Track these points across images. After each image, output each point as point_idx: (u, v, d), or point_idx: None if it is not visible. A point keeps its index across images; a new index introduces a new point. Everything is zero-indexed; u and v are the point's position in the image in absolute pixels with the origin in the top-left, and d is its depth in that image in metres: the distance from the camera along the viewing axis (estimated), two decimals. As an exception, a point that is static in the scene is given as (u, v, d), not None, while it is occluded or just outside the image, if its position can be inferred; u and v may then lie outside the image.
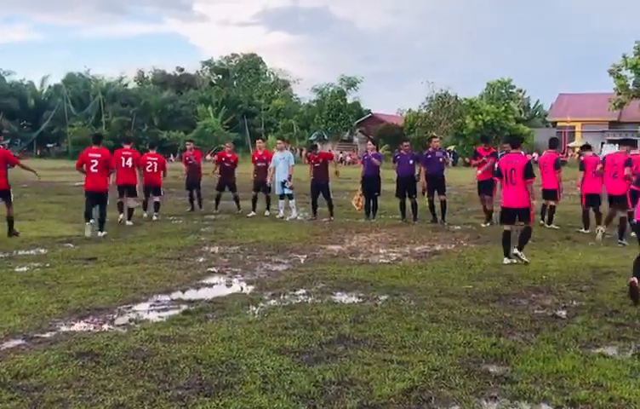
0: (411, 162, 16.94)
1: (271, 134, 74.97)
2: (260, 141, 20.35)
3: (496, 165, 12.00)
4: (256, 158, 18.26)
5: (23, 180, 19.99)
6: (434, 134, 25.21)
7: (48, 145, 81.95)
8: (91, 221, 13.69)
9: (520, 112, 75.90)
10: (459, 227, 15.65)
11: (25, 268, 9.91)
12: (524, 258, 10.68)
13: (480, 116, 65.04)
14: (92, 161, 13.97)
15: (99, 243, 12.52)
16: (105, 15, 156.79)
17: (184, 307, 7.75)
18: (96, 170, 13.84)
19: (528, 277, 9.59)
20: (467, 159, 62.27)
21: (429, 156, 16.71)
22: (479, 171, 16.11)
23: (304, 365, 5.66)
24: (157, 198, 16.94)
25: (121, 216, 15.92)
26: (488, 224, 15.59)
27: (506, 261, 10.70)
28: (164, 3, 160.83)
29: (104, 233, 13.55)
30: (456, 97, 67.72)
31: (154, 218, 16.34)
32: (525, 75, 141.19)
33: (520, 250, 10.75)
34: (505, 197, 11.00)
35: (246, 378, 5.31)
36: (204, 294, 8.53)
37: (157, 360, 5.71)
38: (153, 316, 7.33)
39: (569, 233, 14.57)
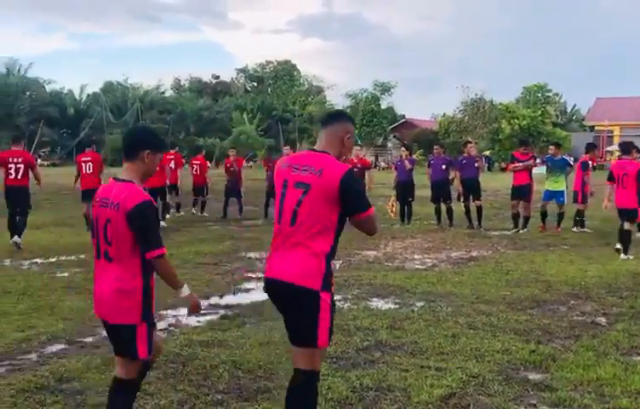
0: (443, 167, 16.89)
1: (305, 140, 75.22)
2: (287, 147, 20.43)
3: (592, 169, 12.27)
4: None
5: (64, 187, 20.35)
6: (469, 139, 24.99)
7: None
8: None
9: (557, 116, 74.95)
10: (495, 233, 15.52)
11: (66, 274, 10.11)
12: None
13: (516, 120, 64.36)
14: (169, 161, 17.12)
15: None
16: (141, 24, 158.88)
17: (222, 312, 7.85)
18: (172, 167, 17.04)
19: (566, 283, 9.48)
20: (503, 164, 61.82)
21: (464, 161, 16.62)
22: (519, 166, 15.73)
23: (341, 370, 5.69)
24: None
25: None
26: (516, 231, 15.38)
27: (625, 257, 11.49)
28: (199, 12, 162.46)
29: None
30: (491, 101, 67.10)
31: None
32: (562, 79, 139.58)
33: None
34: (617, 199, 11.82)
35: (284, 384, 5.32)
36: (242, 299, 8.62)
37: (197, 365, 5.79)
38: (192, 321, 7.42)
39: (608, 238, 14.35)
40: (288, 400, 4.08)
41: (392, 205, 17.70)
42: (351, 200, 3.90)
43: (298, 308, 3.89)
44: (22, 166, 13.15)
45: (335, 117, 4.31)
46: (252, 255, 12.20)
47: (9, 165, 13.11)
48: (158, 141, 4.29)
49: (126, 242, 3.95)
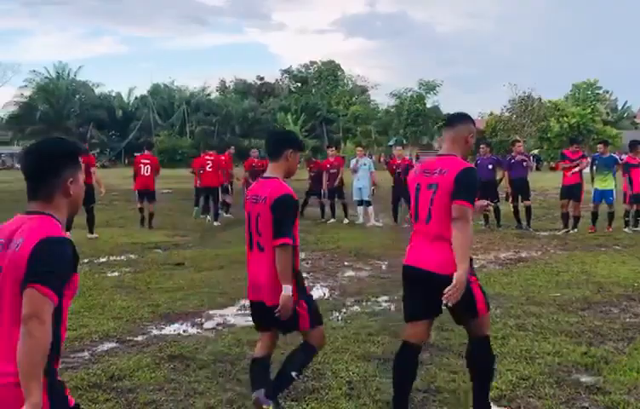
0: (490, 167, 16.67)
1: (350, 140, 75.14)
2: (331, 148, 20.35)
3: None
4: (328, 165, 18.37)
5: (113, 188, 20.78)
6: (517, 138, 24.60)
7: (136, 154, 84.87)
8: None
9: (607, 113, 73.34)
10: (545, 234, 15.26)
11: (116, 273, 10.30)
12: None
13: (565, 118, 63.26)
14: (207, 162, 17.30)
15: (186, 249, 12.88)
16: (187, 27, 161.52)
17: (269, 312, 7.87)
18: (210, 170, 17.26)
19: (619, 284, 9.26)
20: (552, 163, 60.73)
21: (512, 160, 16.40)
22: (569, 174, 15.50)
23: (389, 372, 5.64)
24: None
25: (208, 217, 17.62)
26: (566, 231, 15.09)
27: None
28: (244, 14, 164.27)
29: (217, 223, 16.87)
30: (540, 99, 66.07)
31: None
32: (613, 76, 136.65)
33: None
34: None
35: (332, 384, 5.36)
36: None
37: (245, 364, 5.81)
38: (240, 321, 7.49)
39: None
40: (475, 363, 4.72)
41: None
42: (458, 188, 4.30)
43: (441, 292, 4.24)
44: (83, 166, 13.33)
45: (458, 118, 4.71)
46: (305, 255, 12.21)
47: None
48: (299, 142, 4.88)
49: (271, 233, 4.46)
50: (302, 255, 12.13)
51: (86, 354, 6.28)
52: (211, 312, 7.86)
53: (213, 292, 8.84)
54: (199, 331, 7.08)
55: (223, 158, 18.80)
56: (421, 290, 4.52)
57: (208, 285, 9.32)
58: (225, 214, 18.67)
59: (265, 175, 4.73)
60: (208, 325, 7.33)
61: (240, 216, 18.46)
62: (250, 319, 7.45)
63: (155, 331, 7.04)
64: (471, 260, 4.42)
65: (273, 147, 4.73)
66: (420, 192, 4.51)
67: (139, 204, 16.93)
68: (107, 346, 6.54)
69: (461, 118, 4.70)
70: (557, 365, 5.86)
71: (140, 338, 6.79)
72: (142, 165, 16.91)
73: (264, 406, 4.63)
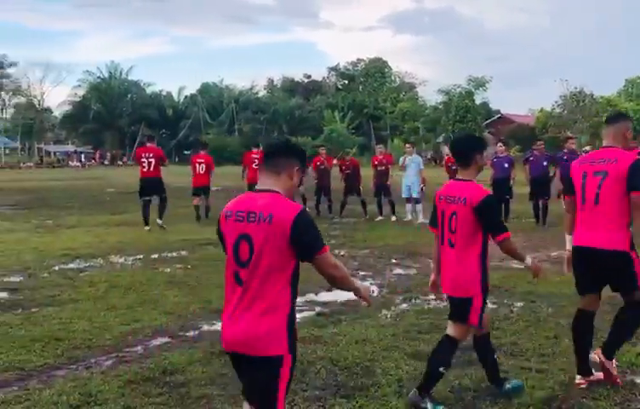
0: (545, 163, 16.42)
1: (397, 137, 74.75)
2: (380, 145, 20.28)
3: None
4: (376, 163, 18.32)
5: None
6: (570, 134, 24.13)
7: (185, 152, 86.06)
8: None
9: (662, 108, 71.30)
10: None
11: (168, 269, 10.47)
12: None
13: (618, 114, 61.78)
14: (254, 161, 17.32)
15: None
16: (235, 26, 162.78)
17: (317, 308, 7.93)
18: (256, 166, 16.53)
19: (676, 284, 9.00)
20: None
21: (565, 157, 16.11)
22: None
23: (439, 370, 5.63)
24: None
25: None
26: None
27: None
28: (291, 12, 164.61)
29: None
30: (592, 95, 64.63)
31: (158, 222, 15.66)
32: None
33: None
34: None
35: (381, 381, 5.36)
36: (336, 296, 8.65)
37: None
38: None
39: None
40: (626, 320, 5.37)
41: None
42: (634, 179, 4.96)
43: (612, 267, 5.15)
44: (153, 160, 15.55)
45: (618, 117, 5.62)
46: (344, 252, 12.25)
47: (142, 160, 15.63)
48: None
49: (468, 231, 4.82)
50: (350, 252, 12.17)
51: (139, 348, 6.41)
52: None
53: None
54: (249, 327, 7.15)
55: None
56: (593, 266, 5.24)
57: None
58: None
59: (459, 177, 5.07)
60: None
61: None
62: (298, 316, 7.54)
63: (206, 327, 7.15)
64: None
65: (462, 154, 5.09)
66: (587, 178, 5.15)
67: (194, 201, 17.76)
68: (160, 341, 6.66)
69: (621, 116, 5.64)
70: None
71: (191, 333, 6.90)
72: (197, 164, 18.00)
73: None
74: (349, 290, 3.83)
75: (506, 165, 16.80)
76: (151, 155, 15.75)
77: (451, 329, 5.01)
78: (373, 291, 8.94)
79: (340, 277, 3.61)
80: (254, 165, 17.80)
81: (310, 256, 3.44)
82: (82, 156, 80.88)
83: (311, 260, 3.45)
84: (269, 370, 3.41)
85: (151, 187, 15.63)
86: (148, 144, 16.73)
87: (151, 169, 15.60)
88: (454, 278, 4.91)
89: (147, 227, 15.28)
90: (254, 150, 18.66)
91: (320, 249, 3.43)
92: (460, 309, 4.92)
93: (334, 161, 21.38)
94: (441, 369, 4.88)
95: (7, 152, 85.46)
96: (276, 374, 3.42)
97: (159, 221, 15.42)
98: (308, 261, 3.45)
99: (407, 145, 19.53)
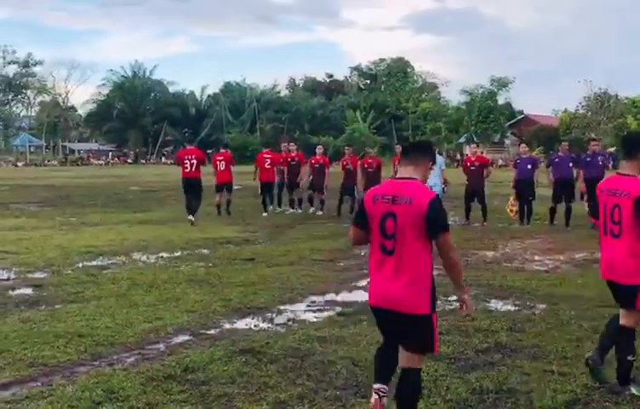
0: (570, 165, 16.29)
1: (419, 137, 74.47)
2: (398, 145, 20.26)
3: None
4: (397, 163, 18.23)
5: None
6: (593, 136, 23.90)
7: (208, 150, 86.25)
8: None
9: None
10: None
11: (189, 268, 10.52)
12: None
13: (644, 115, 61.02)
14: (265, 160, 18.82)
15: (256, 244, 13.07)
16: (257, 26, 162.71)
17: (338, 308, 7.92)
18: (268, 166, 18.89)
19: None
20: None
21: (588, 159, 15.98)
22: None
23: (460, 371, 5.62)
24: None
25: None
26: None
27: None
28: (313, 12, 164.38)
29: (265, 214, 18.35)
30: (616, 96, 63.94)
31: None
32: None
33: None
34: None
35: (402, 382, 5.33)
36: (358, 296, 8.64)
37: (315, 360, 5.89)
38: (309, 316, 7.56)
39: None
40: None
41: (512, 205, 17.18)
42: None
43: None
44: (195, 162, 16.70)
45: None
46: (366, 252, 12.18)
47: (185, 161, 16.71)
48: None
49: (632, 222, 5.08)
50: (367, 252, 12.13)
51: (161, 345, 6.45)
52: (281, 307, 7.96)
53: (283, 288, 8.95)
54: (270, 325, 7.17)
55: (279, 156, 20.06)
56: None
57: (278, 280, 9.43)
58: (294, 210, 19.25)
59: (622, 172, 5.28)
60: (279, 320, 7.41)
61: (307, 214, 18.65)
62: (319, 315, 7.57)
63: (227, 325, 7.18)
64: None
65: (630, 148, 5.35)
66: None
67: (216, 198, 18.57)
68: (181, 338, 6.70)
69: None
70: (636, 369, 5.66)
71: (212, 332, 6.93)
72: (218, 162, 18.89)
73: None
74: (457, 283, 4.58)
75: (529, 166, 16.67)
76: (193, 157, 16.85)
77: (623, 318, 5.30)
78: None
79: (456, 261, 4.48)
80: (266, 165, 18.88)
81: (437, 233, 4.25)
82: (110, 154, 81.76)
83: (437, 237, 4.26)
84: (421, 323, 4.27)
85: (192, 186, 16.70)
86: (189, 147, 18.41)
87: (193, 170, 16.71)
88: (621, 266, 5.16)
89: (190, 217, 16.34)
90: (265, 151, 19.65)
91: (446, 230, 4.29)
92: (627, 296, 5.20)
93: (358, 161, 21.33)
94: (629, 358, 5.22)
95: (32, 149, 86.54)
96: (426, 326, 4.31)
97: (191, 218, 16.31)
98: (435, 238, 4.25)
99: None
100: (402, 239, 4.22)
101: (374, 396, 4.55)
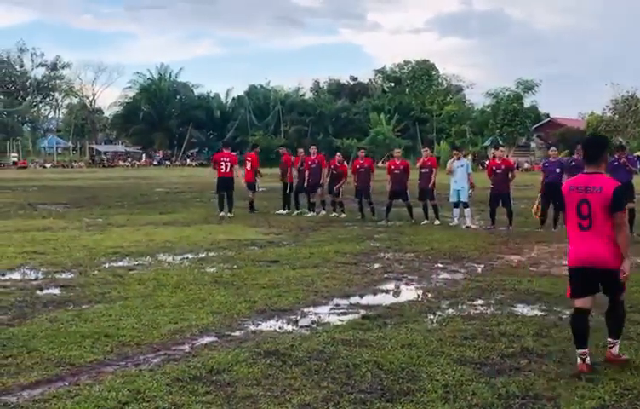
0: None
1: (444, 140, 74.10)
2: (425, 148, 20.17)
3: None
4: (420, 166, 18.15)
5: (212, 186, 21.42)
6: (620, 140, 23.60)
7: (232, 153, 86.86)
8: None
9: None
10: None
11: (214, 269, 10.57)
12: None
13: (672, 119, 60.17)
14: (295, 162, 20.10)
15: (281, 246, 13.09)
16: (283, 29, 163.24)
17: (362, 311, 7.90)
18: (315, 166, 19.60)
19: None
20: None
21: (615, 163, 15.81)
22: None
23: (485, 376, 5.57)
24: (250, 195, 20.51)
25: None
26: None
27: None
28: (339, 14, 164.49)
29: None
30: (644, 99, 63.13)
31: (229, 215, 18.73)
32: None
33: None
34: None
35: (427, 387, 5.31)
36: (382, 300, 8.64)
37: (340, 363, 5.88)
38: (334, 319, 7.55)
39: None
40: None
41: (537, 208, 17.01)
42: None
43: None
44: (229, 163, 19.18)
45: None
46: (389, 255, 12.20)
47: (221, 163, 19.17)
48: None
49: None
50: (395, 255, 12.12)
51: (186, 346, 6.49)
52: (305, 310, 7.96)
53: (307, 290, 8.95)
54: (294, 328, 7.18)
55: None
56: None
57: (302, 283, 9.44)
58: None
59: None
60: (303, 322, 7.42)
61: (328, 217, 18.63)
62: (344, 318, 7.56)
63: (252, 327, 7.19)
64: None
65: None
66: None
67: (250, 195, 20.40)
68: (206, 340, 6.72)
69: None
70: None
71: (237, 333, 6.95)
72: (246, 162, 21.02)
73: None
74: (624, 252, 5.66)
75: (558, 170, 16.50)
76: (228, 159, 19.33)
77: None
78: (418, 296, 8.89)
79: (626, 235, 5.81)
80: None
81: (615, 211, 5.65)
82: (144, 156, 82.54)
83: (615, 215, 5.65)
84: (615, 275, 5.68)
85: (226, 184, 19.02)
86: (224, 150, 20.28)
87: (228, 170, 19.09)
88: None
89: (222, 213, 18.66)
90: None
91: (622, 210, 5.72)
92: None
93: (380, 163, 21.37)
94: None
95: (59, 151, 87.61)
96: (618, 276, 5.68)
97: (230, 215, 18.55)
98: (613, 215, 5.64)
99: (454, 151, 19.16)
100: (595, 218, 5.66)
101: (579, 360, 5.75)
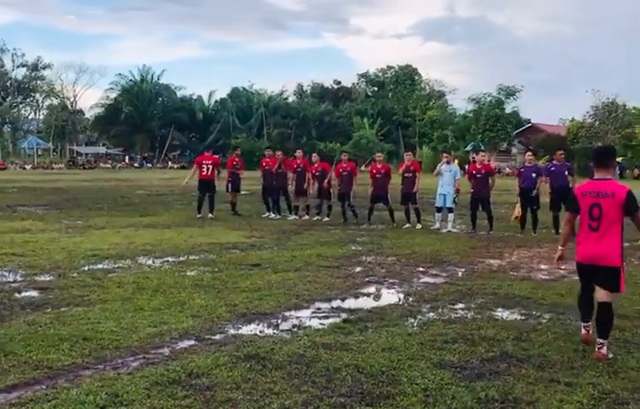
0: (566, 173, 16.39)
1: (426, 145, 74.48)
2: (408, 153, 20.17)
3: None
4: (403, 170, 18.18)
5: (194, 189, 21.32)
6: (599, 145, 23.85)
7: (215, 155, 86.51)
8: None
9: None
10: (626, 244, 14.66)
11: (195, 272, 10.51)
12: None
13: (652, 125, 60.84)
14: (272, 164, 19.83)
15: (262, 250, 13.06)
16: (268, 32, 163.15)
17: (344, 315, 7.89)
18: (300, 170, 19.51)
19: None
20: (637, 171, 58.45)
21: (553, 168, 16.54)
22: None
23: (465, 380, 5.58)
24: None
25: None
26: None
27: None
28: (322, 18, 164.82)
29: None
30: (624, 106, 63.79)
31: (209, 216, 18.96)
32: None
33: None
34: None
35: (407, 390, 5.32)
36: (363, 303, 8.64)
37: (320, 367, 5.87)
38: (315, 323, 7.53)
39: None
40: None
41: (517, 212, 17.12)
42: None
43: None
44: (211, 166, 19.51)
45: None
46: (371, 259, 12.21)
47: (203, 165, 19.57)
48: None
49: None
50: (377, 259, 12.13)
51: (166, 350, 6.44)
52: (287, 313, 7.94)
53: (289, 294, 8.93)
54: (275, 331, 7.16)
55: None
56: None
57: (283, 286, 9.41)
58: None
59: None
60: (284, 326, 7.40)
61: (310, 221, 18.62)
62: (325, 322, 7.55)
63: (232, 331, 7.16)
64: None
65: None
66: None
67: (230, 197, 20.68)
68: (186, 343, 6.68)
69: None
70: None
71: (217, 337, 6.91)
72: (232, 163, 21.01)
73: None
74: None
75: (534, 175, 16.71)
76: (210, 162, 19.68)
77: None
78: (399, 299, 8.90)
79: None
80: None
81: (632, 214, 6.35)
82: (127, 158, 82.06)
83: (633, 216, 6.37)
84: (616, 272, 6.32)
85: (207, 187, 19.36)
86: (206, 153, 20.68)
87: (209, 173, 19.44)
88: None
89: (199, 215, 18.91)
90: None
91: (637, 210, 6.35)
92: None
93: (363, 167, 21.39)
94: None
95: (39, 152, 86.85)
96: (618, 273, 6.34)
97: (211, 215, 18.89)
98: (631, 216, 6.36)
99: (444, 154, 19.21)
100: (604, 220, 6.29)
101: (583, 330, 6.71)
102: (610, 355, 6.27)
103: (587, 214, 6.42)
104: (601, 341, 6.33)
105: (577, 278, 10.44)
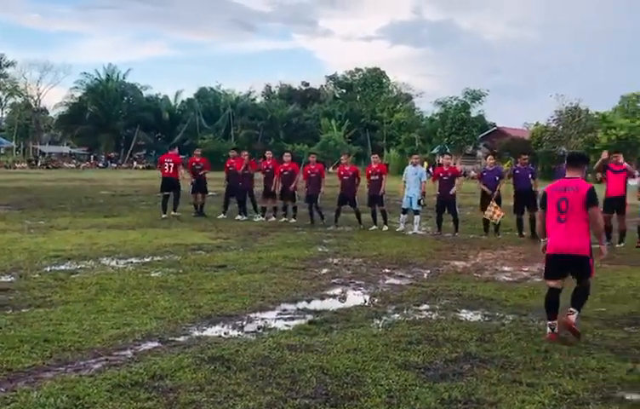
0: (530, 176, 16.63)
1: (393, 147, 74.87)
2: (375, 155, 20.20)
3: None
4: (370, 172, 18.26)
5: (158, 189, 21.09)
6: (564, 150, 24.23)
7: (181, 156, 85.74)
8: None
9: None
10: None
11: (159, 274, 10.41)
12: None
13: (613, 130, 61.99)
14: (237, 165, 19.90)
15: (228, 251, 12.98)
16: (236, 33, 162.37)
17: (309, 317, 7.89)
18: (269, 171, 19.54)
19: (668, 301, 9.02)
20: (599, 176, 59.42)
21: (517, 172, 16.78)
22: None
23: (429, 381, 5.62)
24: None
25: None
26: (610, 245, 14.61)
27: None
28: (291, 20, 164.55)
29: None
30: (587, 111, 64.92)
31: (173, 213, 19.16)
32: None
33: None
34: None
35: (371, 391, 5.33)
36: (329, 305, 8.65)
37: (285, 368, 5.85)
38: (280, 324, 7.52)
39: None
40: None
41: (495, 208, 16.93)
42: None
43: None
44: (172, 164, 19.67)
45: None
46: (338, 261, 12.22)
47: (164, 164, 19.79)
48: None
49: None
50: (343, 261, 12.15)
51: (129, 352, 6.36)
52: (252, 315, 7.90)
53: (254, 295, 8.89)
54: (240, 333, 7.12)
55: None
56: None
57: (249, 288, 9.38)
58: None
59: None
60: (249, 328, 7.36)
61: (277, 222, 18.59)
62: (290, 323, 7.54)
63: (196, 332, 7.10)
64: None
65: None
66: None
67: (193, 198, 20.52)
68: (150, 345, 6.61)
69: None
70: (602, 381, 5.74)
71: (181, 339, 6.85)
72: (194, 164, 20.69)
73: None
74: (599, 238, 7.30)
75: (497, 178, 16.94)
76: (171, 160, 19.86)
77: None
78: (365, 301, 8.92)
79: (601, 228, 7.39)
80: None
81: (589, 207, 6.92)
82: (92, 157, 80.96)
83: (589, 210, 6.93)
84: (586, 261, 7.02)
85: (170, 184, 19.48)
86: (170, 151, 21.03)
87: (171, 171, 19.56)
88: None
89: (164, 216, 18.86)
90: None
91: (596, 206, 7.03)
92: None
93: (331, 169, 21.39)
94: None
95: (2, 151, 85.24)
96: (588, 262, 7.04)
97: (175, 213, 19.03)
98: (589, 210, 6.92)
99: (414, 156, 19.20)
100: (571, 212, 6.94)
101: (549, 330, 7.04)
102: (577, 328, 6.97)
103: (556, 207, 7.08)
104: (572, 309, 7.01)
105: (539, 280, 10.63)
